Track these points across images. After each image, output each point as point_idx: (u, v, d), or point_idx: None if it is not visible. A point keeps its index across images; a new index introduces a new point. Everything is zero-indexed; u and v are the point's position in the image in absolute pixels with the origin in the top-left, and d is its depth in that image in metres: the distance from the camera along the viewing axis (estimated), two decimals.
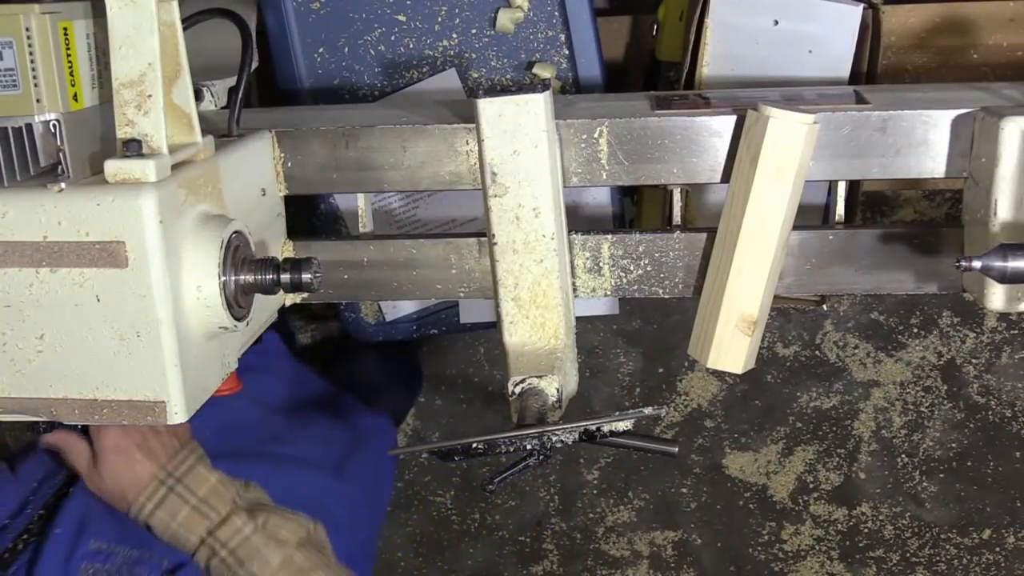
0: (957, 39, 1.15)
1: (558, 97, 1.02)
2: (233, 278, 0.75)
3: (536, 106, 0.82)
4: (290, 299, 0.93)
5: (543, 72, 1.10)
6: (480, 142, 0.83)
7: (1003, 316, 2.02)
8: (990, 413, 2.10)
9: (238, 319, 0.75)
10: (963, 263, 0.73)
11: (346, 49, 1.12)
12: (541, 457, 0.78)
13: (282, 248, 0.92)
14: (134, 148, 0.70)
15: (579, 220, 1.11)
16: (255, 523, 1.05)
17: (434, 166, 0.89)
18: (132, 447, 1.02)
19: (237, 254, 0.76)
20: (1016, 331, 2.05)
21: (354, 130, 0.89)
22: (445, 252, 0.92)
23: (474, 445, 0.77)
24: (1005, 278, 0.72)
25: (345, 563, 1.14)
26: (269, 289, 0.77)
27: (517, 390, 0.83)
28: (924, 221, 1.98)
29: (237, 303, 0.76)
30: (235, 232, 0.76)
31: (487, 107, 0.82)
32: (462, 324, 1.21)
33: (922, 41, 1.15)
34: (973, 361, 2.08)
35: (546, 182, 0.83)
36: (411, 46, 1.11)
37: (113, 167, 0.69)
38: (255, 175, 0.87)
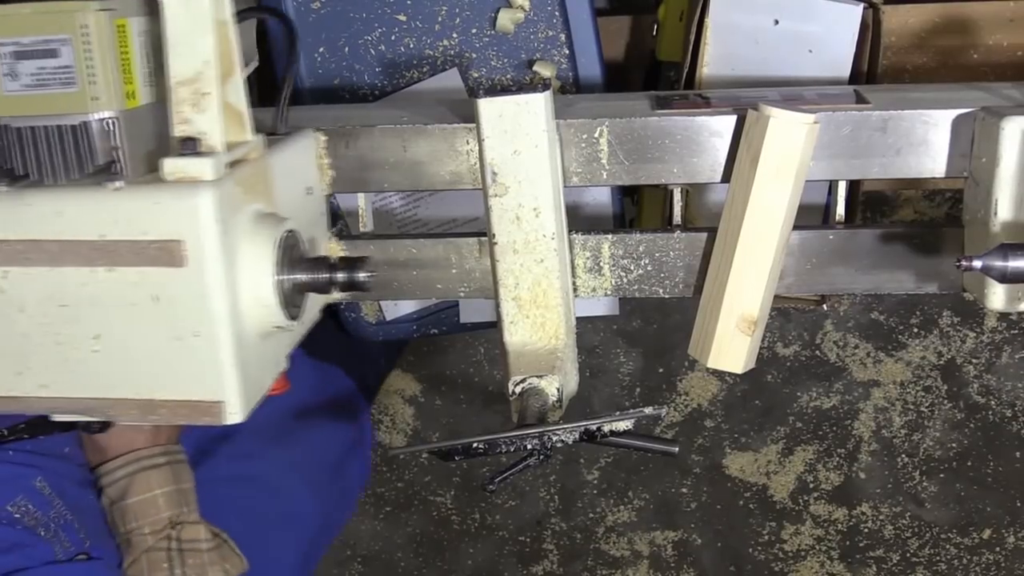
0: (957, 39, 1.15)
1: (558, 97, 1.02)
2: (288, 277, 0.74)
3: (536, 106, 0.82)
4: (327, 299, 0.93)
5: (543, 70, 1.10)
6: (480, 142, 0.83)
7: (1003, 316, 2.03)
8: (990, 413, 2.10)
9: (292, 318, 0.75)
10: (963, 263, 0.72)
11: (346, 49, 1.12)
12: (541, 457, 0.78)
13: (327, 247, 0.92)
14: (191, 146, 0.69)
15: (579, 220, 1.11)
16: (215, 542, 1.07)
17: (434, 166, 0.89)
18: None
19: (292, 253, 0.76)
20: (1016, 331, 2.05)
21: (354, 130, 0.89)
22: (445, 252, 0.92)
23: (474, 445, 0.77)
24: (1005, 278, 0.72)
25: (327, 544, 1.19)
26: (323, 288, 0.77)
27: (517, 390, 0.83)
28: (924, 221, 1.98)
29: (292, 302, 0.75)
30: (288, 231, 0.75)
31: (487, 107, 0.82)
32: (462, 324, 1.21)
33: (922, 41, 1.15)
34: (973, 361, 2.08)
35: (546, 182, 0.83)
36: (411, 46, 1.11)
37: (171, 165, 0.69)
38: (302, 173, 0.86)
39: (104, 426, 0.97)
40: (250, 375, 0.73)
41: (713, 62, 1.06)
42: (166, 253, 0.68)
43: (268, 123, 0.91)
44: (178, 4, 0.69)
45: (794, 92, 0.94)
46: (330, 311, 1.25)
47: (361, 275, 0.77)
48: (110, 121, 0.70)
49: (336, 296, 0.92)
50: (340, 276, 0.76)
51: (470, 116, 0.85)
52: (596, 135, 0.87)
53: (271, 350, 0.77)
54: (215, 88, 0.70)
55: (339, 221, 1.16)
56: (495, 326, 0.88)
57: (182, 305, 0.69)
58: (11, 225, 0.69)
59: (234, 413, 0.71)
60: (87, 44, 0.68)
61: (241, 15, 0.80)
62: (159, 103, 0.74)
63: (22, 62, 0.69)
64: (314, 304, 0.86)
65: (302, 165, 0.87)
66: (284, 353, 0.81)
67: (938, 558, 2.19)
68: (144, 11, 0.73)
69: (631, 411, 0.77)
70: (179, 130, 0.71)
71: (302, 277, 0.76)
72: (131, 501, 1.03)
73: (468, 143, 0.88)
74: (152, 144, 0.75)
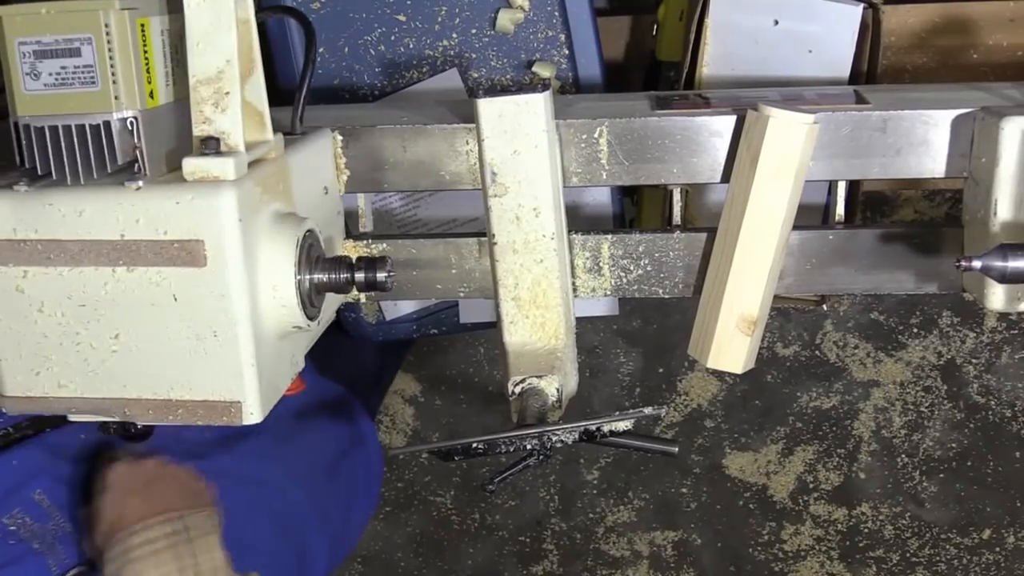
0: (957, 39, 1.15)
1: (558, 97, 1.02)
2: (308, 277, 0.74)
3: (536, 106, 0.82)
4: (344, 299, 0.92)
5: (543, 71, 1.10)
6: (480, 142, 0.83)
7: (1003, 316, 2.03)
8: (990, 413, 2.10)
9: (311, 318, 0.75)
10: (963, 263, 0.73)
11: (346, 49, 1.12)
12: (541, 457, 0.78)
13: (343, 247, 0.91)
14: (212, 146, 0.69)
15: (579, 220, 1.11)
16: None
17: (434, 166, 0.89)
18: (141, 485, 0.93)
19: (311, 253, 0.75)
20: (1016, 331, 2.05)
21: (354, 130, 0.89)
22: (445, 252, 0.92)
23: (474, 445, 0.77)
24: (1005, 278, 0.72)
25: (328, 555, 1.17)
26: (342, 288, 0.77)
27: (517, 390, 0.83)
28: (924, 221, 1.98)
29: (311, 302, 0.75)
30: (308, 231, 0.75)
31: (487, 107, 0.82)
32: (462, 324, 1.21)
33: (922, 41, 1.15)
34: (973, 361, 2.08)
35: (546, 182, 0.83)
36: (411, 46, 1.11)
37: (192, 165, 0.69)
38: (319, 173, 0.86)
39: (122, 427, 0.95)
40: (268, 375, 0.73)
41: (713, 62, 1.06)
42: (186, 253, 0.68)
43: (278, 122, 0.91)
44: (201, 2, 0.69)
45: (794, 92, 0.94)
46: None
47: (381, 275, 0.77)
48: (131, 120, 0.70)
49: (353, 296, 0.92)
50: (360, 276, 0.76)
51: (470, 116, 0.85)
52: (596, 135, 0.87)
53: (288, 350, 0.77)
54: (236, 87, 0.70)
55: None
56: (495, 326, 0.88)
57: (201, 305, 0.69)
58: (32, 225, 0.70)
59: (252, 413, 0.71)
60: (109, 43, 0.68)
61: (258, 15, 0.80)
62: (178, 102, 0.74)
63: (44, 61, 0.69)
64: (331, 304, 0.86)
65: (319, 165, 0.86)
66: (301, 353, 0.81)
67: (938, 558, 2.19)
68: (165, 10, 0.73)
69: (631, 411, 0.77)
70: (200, 129, 0.71)
71: (322, 277, 0.76)
72: None
73: (468, 143, 0.88)
74: (171, 144, 0.74)
